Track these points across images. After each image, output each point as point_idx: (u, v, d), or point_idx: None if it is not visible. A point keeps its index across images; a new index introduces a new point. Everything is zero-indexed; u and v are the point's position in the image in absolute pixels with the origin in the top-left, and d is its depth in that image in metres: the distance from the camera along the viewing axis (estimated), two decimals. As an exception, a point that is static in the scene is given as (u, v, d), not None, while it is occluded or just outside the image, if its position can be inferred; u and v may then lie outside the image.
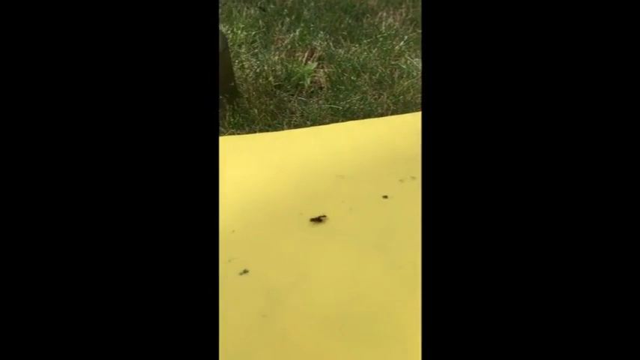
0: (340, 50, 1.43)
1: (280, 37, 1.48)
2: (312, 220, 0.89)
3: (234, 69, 1.30)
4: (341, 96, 1.26)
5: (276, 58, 1.39)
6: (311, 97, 1.29)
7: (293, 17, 1.54)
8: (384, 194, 0.93)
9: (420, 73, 1.31)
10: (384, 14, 1.58)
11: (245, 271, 0.81)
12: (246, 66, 1.36)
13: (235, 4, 1.61)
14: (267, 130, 1.17)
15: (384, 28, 1.51)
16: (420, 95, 1.23)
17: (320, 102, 1.26)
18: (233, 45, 1.43)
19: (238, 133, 1.16)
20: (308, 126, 1.18)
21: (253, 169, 1.00)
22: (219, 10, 1.56)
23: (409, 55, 1.40)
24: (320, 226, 0.88)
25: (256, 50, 1.43)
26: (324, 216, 0.90)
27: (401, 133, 1.05)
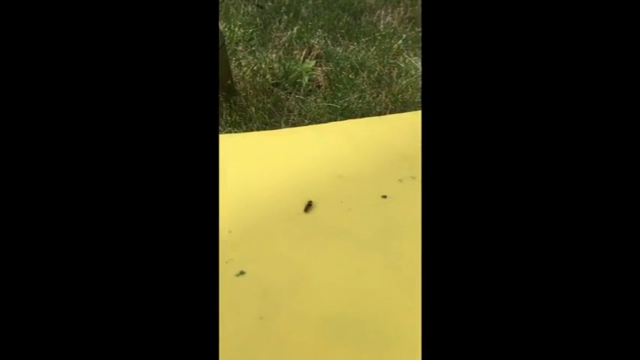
0: (338, 48, 1.42)
1: (278, 34, 1.47)
2: (305, 210, 0.90)
3: (232, 67, 1.29)
4: (339, 94, 1.25)
5: (274, 56, 1.37)
6: (309, 95, 1.28)
7: (291, 15, 1.53)
8: (384, 194, 0.92)
9: (418, 71, 1.30)
10: (383, 13, 1.57)
11: (242, 273, 0.80)
12: (243, 64, 1.35)
13: (233, 1, 1.60)
14: (265, 129, 1.16)
15: (382, 26, 1.50)
16: (418, 94, 1.22)
17: (318, 100, 1.25)
18: (230, 43, 1.41)
19: (235, 132, 1.14)
20: (306, 124, 1.16)
21: (250, 169, 0.99)
22: (216, 8, 1.55)
23: (407, 54, 1.39)
24: (318, 227, 0.87)
25: (254, 48, 1.42)
26: (311, 201, 0.90)
27: (400, 132, 1.04)
